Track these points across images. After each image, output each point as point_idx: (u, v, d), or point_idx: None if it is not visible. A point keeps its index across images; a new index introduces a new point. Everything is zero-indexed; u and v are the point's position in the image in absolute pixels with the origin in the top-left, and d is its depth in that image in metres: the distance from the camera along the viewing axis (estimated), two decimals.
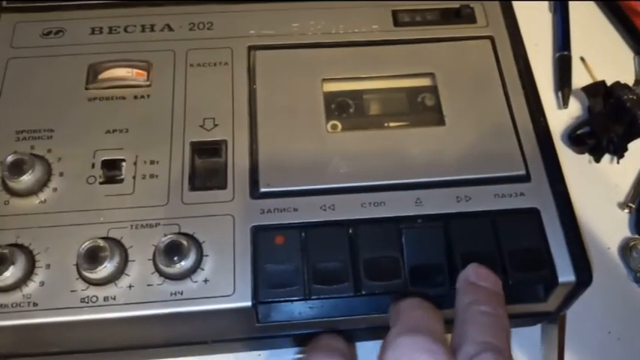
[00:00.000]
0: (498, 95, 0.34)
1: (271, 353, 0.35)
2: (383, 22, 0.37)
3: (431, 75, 0.35)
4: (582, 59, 0.47)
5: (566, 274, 0.29)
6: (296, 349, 0.35)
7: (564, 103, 0.45)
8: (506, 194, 0.31)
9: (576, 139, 0.43)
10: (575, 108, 0.45)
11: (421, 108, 0.35)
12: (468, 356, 0.23)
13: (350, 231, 0.30)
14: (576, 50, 0.47)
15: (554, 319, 0.34)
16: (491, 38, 0.36)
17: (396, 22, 0.37)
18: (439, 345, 0.23)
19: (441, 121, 0.34)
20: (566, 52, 0.47)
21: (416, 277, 0.29)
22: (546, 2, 0.50)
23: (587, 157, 0.43)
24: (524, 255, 0.29)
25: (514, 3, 0.39)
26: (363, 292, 0.29)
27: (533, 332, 0.36)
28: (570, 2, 0.49)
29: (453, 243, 0.29)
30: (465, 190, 0.31)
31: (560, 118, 0.45)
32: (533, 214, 0.31)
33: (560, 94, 0.45)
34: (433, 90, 0.35)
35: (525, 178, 0.32)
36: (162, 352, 0.32)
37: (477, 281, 0.26)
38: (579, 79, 0.46)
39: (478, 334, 0.24)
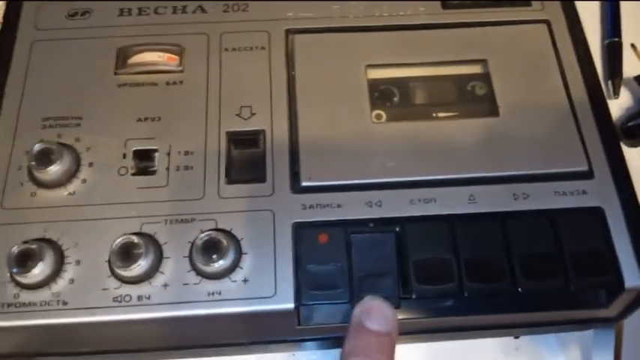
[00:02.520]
0: (556, 84, 0.32)
1: (305, 352, 0.34)
2: (430, 4, 0.34)
3: (483, 62, 0.33)
4: (633, 46, 0.44)
5: (633, 279, 0.27)
6: (331, 350, 0.34)
7: (615, 93, 0.42)
8: (567, 192, 0.29)
9: (628, 130, 0.41)
10: (626, 98, 0.43)
11: (471, 97, 0.33)
12: None
13: (398, 229, 0.28)
14: (625, 37, 0.44)
15: (609, 325, 0.32)
16: (547, 22, 0.34)
17: (445, 5, 0.34)
18: None
19: (494, 111, 0.31)
20: (616, 39, 0.44)
21: (472, 276, 0.27)
22: None
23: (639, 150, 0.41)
24: (588, 258, 0.27)
25: None
26: (414, 297, 0.27)
27: (581, 336, 0.34)
28: None
29: (511, 244, 0.27)
30: (522, 186, 0.29)
31: (610, 108, 0.42)
32: (597, 213, 0.28)
33: (610, 83, 0.42)
34: (485, 78, 0.32)
35: (588, 175, 0.30)
36: (196, 352, 0.31)
37: (365, 322, 0.24)
38: (630, 67, 0.43)
39: None
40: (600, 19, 0.46)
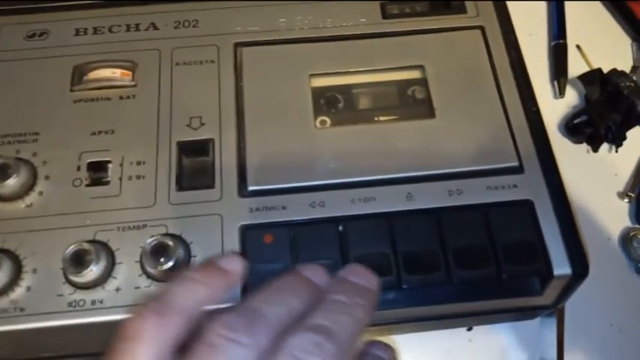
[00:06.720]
0: (490, 86, 0.34)
1: None
2: (371, 14, 0.36)
3: (421, 67, 0.34)
4: (578, 47, 0.46)
5: (561, 267, 0.29)
6: None
7: (560, 93, 0.44)
8: (499, 186, 0.30)
9: (573, 128, 0.43)
10: (571, 97, 0.44)
11: (411, 101, 0.34)
12: (287, 335, 0.20)
13: (340, 228, 0.29)
14: (572, 38, 0.46)
15: (553, 313, 0.34)
16: (481, 28, 0.36)
17: (385, 15, 0.36)
18: None
19: (431, 113, 0.33)
20: (561, 41, 0.46)
21: (409, 269, 0.28)
22: None
23: (584, 146, 0.42)
24: (518, 248, 0.29)
25: None
26: None
27: (532, 326, 0.36)
28: None
29: (446, 237, 0.29)
30: (456, 183, 0.31)
31: (556, 107, 0.44)
32: (527, 205, 0.30)
33: (556, 83, 0.44)
34: (423, 82, 0.34)
35: (518, 170, 0.31)
36: None
37: (347, 276, 0.24)
38: (576, 67, 0.45)
39: (313, 317, 0.21)
40: (547, 19, 0.48)
